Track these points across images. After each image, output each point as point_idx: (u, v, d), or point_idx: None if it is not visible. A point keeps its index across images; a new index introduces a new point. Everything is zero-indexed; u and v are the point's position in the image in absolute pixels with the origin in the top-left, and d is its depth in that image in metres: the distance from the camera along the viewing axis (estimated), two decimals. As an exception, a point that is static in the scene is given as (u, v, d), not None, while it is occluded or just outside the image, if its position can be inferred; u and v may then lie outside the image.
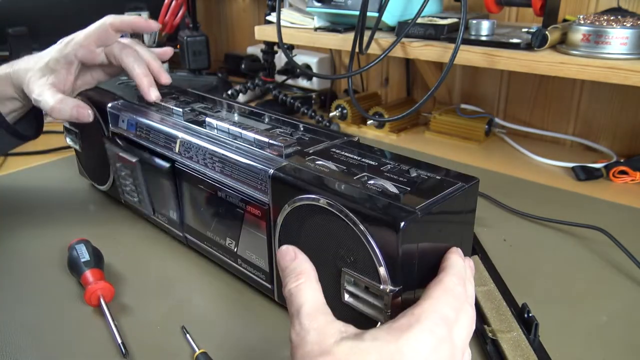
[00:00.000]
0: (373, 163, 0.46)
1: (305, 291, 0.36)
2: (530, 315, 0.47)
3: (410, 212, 0.38)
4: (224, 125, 0.54)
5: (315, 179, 0.44)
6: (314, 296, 0.36)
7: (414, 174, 0.44)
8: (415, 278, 0.40)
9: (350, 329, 0.33)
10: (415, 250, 0.39)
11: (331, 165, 0.46)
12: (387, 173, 0.44)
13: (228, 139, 0.53)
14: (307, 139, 0.52)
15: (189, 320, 0.49)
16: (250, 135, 0.52)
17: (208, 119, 0.56)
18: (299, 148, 0.49)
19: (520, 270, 0.57)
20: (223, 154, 0.51)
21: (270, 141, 0.49)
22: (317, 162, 0.46)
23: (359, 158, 0.47)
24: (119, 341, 0.46)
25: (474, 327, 0.37)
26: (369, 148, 0.50)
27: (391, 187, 0.41)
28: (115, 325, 0.48)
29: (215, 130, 0.55)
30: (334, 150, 0.49)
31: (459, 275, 0.37)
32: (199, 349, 0.45)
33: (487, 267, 0.56)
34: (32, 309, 0.52)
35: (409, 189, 0.41)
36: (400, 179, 0.43)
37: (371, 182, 0.42)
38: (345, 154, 0.48)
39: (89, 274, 0.52)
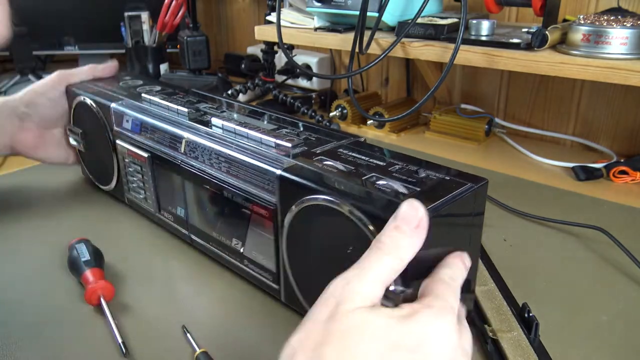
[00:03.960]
0: (381, 163, 0.46)
1: (397, 260, 0.34)
2: (530, 315, 0.47)
3: None
4: (230, 125, 0.54)
5: (323, 179, 0.43)
6: (398, 268, 0.34)
7: (422, 175, 0.43)
8: (425, 279, 0.40)
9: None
10: (425, 251, 0.39)
11: (339, 165, 0.45)
12: (395, 173, 0.44)
13: (234, 139, 0.53)
14: (313, 139, 0.52)
15: (189, 320, 0.49)
16: (257, 135, 0.51)
17: (214, 119, 0.56)
18: (306, 148, 0.49)
19: (520, 270, 0.57)
20: (229, 155, 0.51)
21: (278, 141, 0.49)
22: (324, 163, 0.46)
23: (367, 159, 0.47)
24: (119, 341, 0.46)
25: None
26: (376, 149, 0.50)
27: (400, 188, 0.41)
28: (116, 325, 0.48)
29: (221, 130, 0.55)
30: (341, 150, 0.49)
31: (460, 267, 0.38)
32: (199, 349, 0.45)
33: (487, 266, 0.56)
34: (33, 308, 0.52)
35: (418, 189, 0.41)
36: (409, 180, 0.42)
37: (380, 182, 0.42)
38: (353, 154, 0.48)
39: (89, 274, 0.52)
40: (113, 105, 0.66)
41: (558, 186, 0.79)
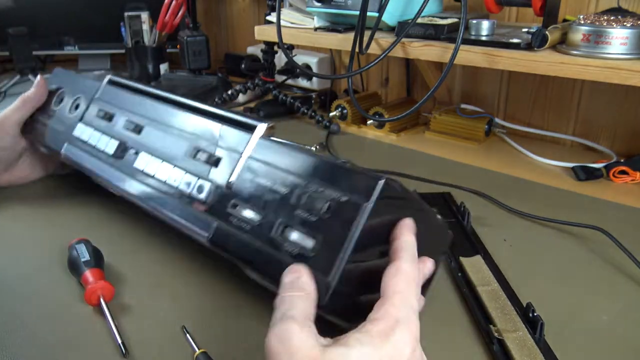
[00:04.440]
0: (283, 191, 0.43)
1: (297, 301, 0.35)
2: (535, 314, 0.47)
3: (327, 287, 0.37)
4: (149, 171, 0.55)
5: (243, 253, 0.45)
6: (305, 307, 0.35)
7: (322, 207, 0.40)
8: (369, 294, 0.39)
9: (327, 340, 0.34)
10: (352, 295, 0.39)
11: (250, 214, 0.45)
12: (299, 210, 0.42)
13: (157, 188, 0.54)
14: (223, 153, 0.50)
15: (189, 320, 0.49)
16: (172, 184, 0.53)
17: (136, 162, 0.57)
18: (217, 184, 0.49)
19: (520, 270, 0.57)
20: (162, 213, 0.53)
21: (192, 194, 0.50)
22: (236, 212, 0.46)
23: (270, 185, 0.45)
24: (119, 341, 0.46)
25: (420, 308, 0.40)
26: (278, 154, 0.46)
27: (306, 242, 0.40)
28: (115, 325, 0.48)
29: (144, 176, 0.56)
30: (248, 173, 0.47)
31: (412, 258, 0.38)
32: (199, 349, 0.45)
33: (490, 267, 0.56)
34: (32, 308, 0.52)
35: (321, 238, 0.39)
36: (311, 219, 0.41)
37: (286, 235, 0.41)
38: (260, 181, 0.46)
39: (89, 274, 0.52)
40: (62, 152, 0.67)
41: (558, 186, 0.79)
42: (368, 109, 1.01)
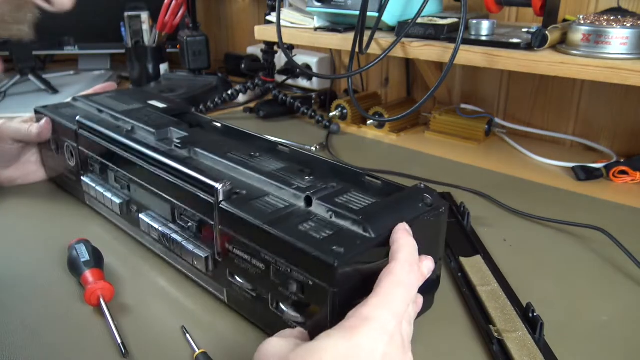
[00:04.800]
0: (261, 266, 0.44)
1: (286, 329, 0.42)
2: (535, 314, 0.47)
3: None
4: (153, 235, 0.56)
5: (255, 320, 0.48)
6: (293, 331, 0.41)
7: (294, 289, 0.41)
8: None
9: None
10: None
11: (247, 285, 0.47)
12: (280, 288, 0.43)
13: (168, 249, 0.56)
14: (200, 220, 0.50)
15: (189, 320, 0.49)
16: (175, 250, 0.54)
17: (141, 216, 0.58)
18: (206, 254, 0.50)
19: (520, 270, 0.57)
20: (184, 272, 0.55)
21: (194, 264, 0.51)
22: (236, 281, 0.48)
23: (249, 259, 0.45)
24: (119, 341, 0.46)
25: (419, 309, 0.42)
26: (241, 225, 0.45)
27: (297, 317, 0.42)
28: (115, 325, 0.48)
29: (151, 231, 0.57)
30: (226, 244, 0.47)
31: (405, 260, 0.38)
32: (198, 349, 0.45)
33: (490, 267, 0.56)
34: (32, 308, 0.52)
35: (305, 315, 0.42)
36: (292, 298, 0.42)
37: (281, 309, 0.43)
38: (238, 253, 0.46)
39: (88, 274, 0.52)
40: (88, 205, 0.70)
41: (558, 186, 0.79)
42: (368, 109, 1.01)
